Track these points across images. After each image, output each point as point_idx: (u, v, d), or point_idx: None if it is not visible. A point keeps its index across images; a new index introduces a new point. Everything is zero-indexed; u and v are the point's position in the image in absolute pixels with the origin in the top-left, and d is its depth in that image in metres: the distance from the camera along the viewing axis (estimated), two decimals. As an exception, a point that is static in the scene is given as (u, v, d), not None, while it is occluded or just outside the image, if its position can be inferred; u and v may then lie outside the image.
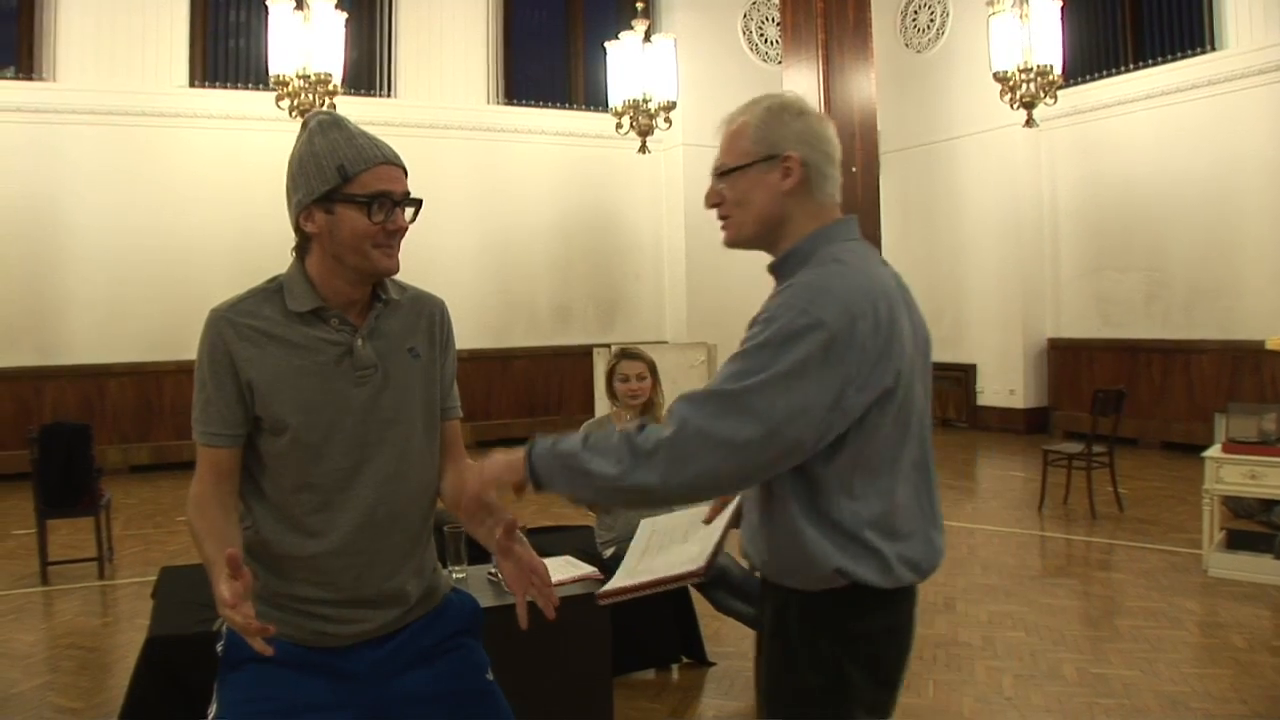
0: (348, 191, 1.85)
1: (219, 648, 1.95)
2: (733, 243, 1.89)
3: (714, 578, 4.33)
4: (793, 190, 1.81)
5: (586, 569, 3.53)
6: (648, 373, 4.36)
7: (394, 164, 1.91)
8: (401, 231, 1.91)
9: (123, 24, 10.12)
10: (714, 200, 1.88)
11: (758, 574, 1.90)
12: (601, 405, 10.76)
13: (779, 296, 1.73)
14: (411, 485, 1.99)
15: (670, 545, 2.18)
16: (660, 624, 4.33)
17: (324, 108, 7.65)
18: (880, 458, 1.73)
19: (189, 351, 2.08)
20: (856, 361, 1.64)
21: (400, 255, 1.91)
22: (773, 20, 12.65)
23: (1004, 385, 11.66)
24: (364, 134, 1.92)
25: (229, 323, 1.88)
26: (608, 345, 10.72)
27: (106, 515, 6.16)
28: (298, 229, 1.92)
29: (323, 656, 1.92)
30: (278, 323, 1.89)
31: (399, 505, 1.96)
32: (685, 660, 4.44)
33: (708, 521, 2.11)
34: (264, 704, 1.87)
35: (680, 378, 8.89)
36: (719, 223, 1.89)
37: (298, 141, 1.93)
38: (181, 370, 9.11)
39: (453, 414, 2.12)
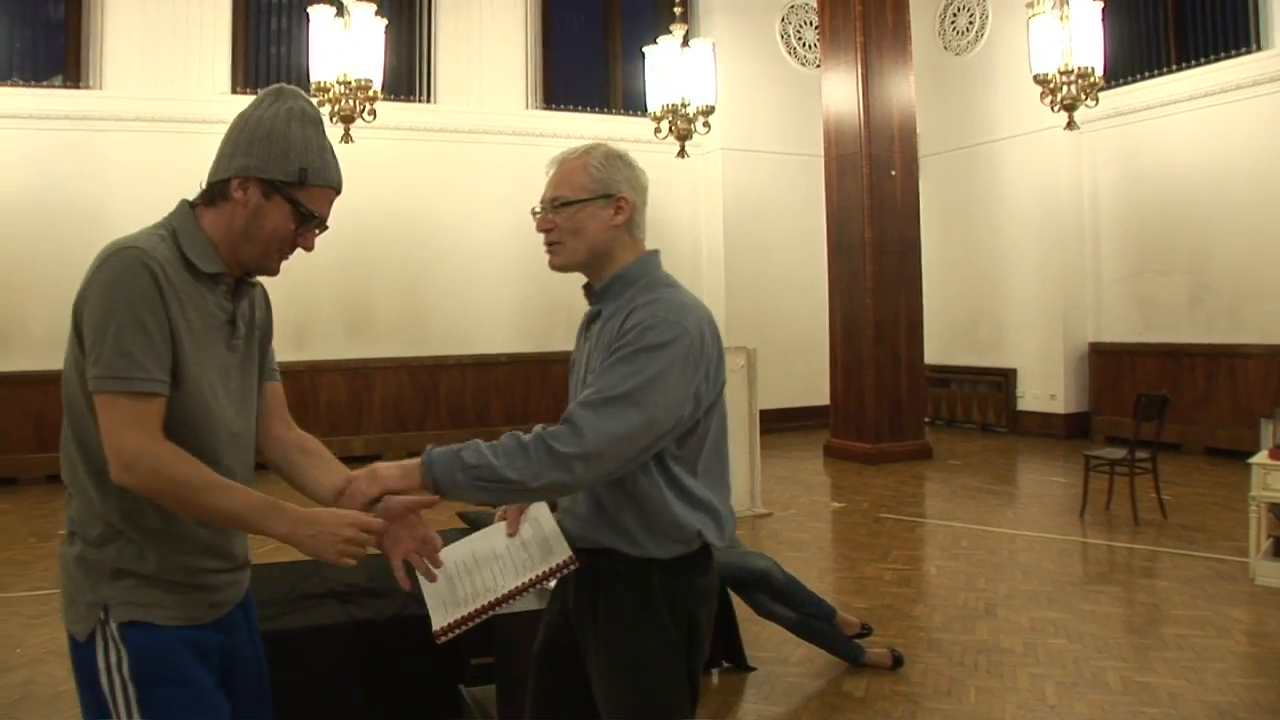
0: (295, 195, 1.86)
1: (102, 659, 1.80)
2: (562, 266, 2.19)
3: (756, 581, 4.34)
4: (620, 226, 2.15)
5: None
6: None
7: (338, 193, 1.94)
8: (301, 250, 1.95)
9: (167, 32, 10.28)
10: (546, 226, 2.15)
11: (578, 557, 2.10)
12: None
13: (643, 310, 2.03)
14: (250, 449, 2.01)
15: (487, 564, 2.12)
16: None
17: (366, 113, 7.78)
18: (715, 443, 2.12)
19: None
20: (706, 362, 2.03)
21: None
22: (811, 24, 12.61)
23: (1045, 390, 11.54)
24: (331, 149, 1.94)
25: (159, 265, 1.76)
26: (645, 349, 10.71)
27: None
28: (222, 186, 1.89)
29: (214, 634, 1.90)
30: (186, 279, 1.81)
31: (245, 467, 1.96)
32: (725, 665, 4.42)
33: (512, 534, 2.15)
34: (201, 711, 1.82)
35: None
36: (547, 248, 2.17)
37: (265, 105, 1.90)
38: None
39: (276, 375, 2.11)
